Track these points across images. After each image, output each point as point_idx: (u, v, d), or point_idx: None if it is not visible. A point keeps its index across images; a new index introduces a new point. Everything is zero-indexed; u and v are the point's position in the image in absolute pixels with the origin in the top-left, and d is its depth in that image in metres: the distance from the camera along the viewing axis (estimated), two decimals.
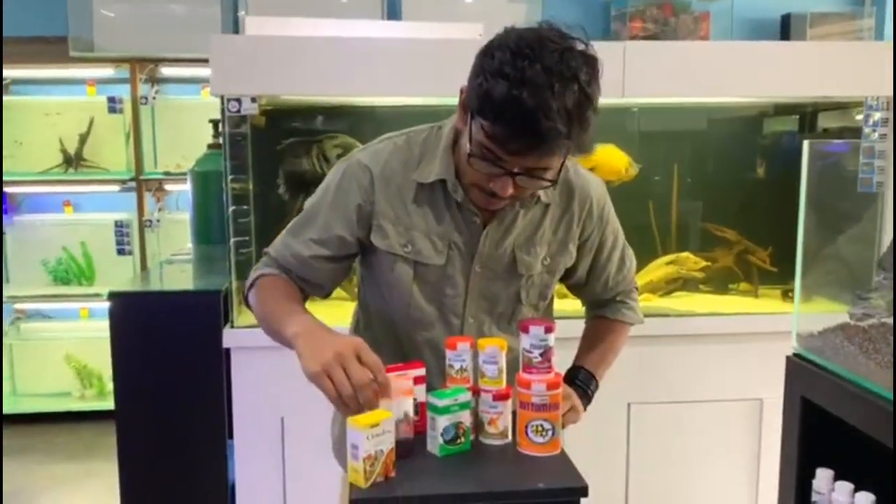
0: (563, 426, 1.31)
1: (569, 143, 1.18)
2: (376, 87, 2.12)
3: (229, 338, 2.20)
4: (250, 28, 2.18)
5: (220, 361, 2.22)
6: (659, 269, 2.56)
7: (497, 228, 1.39)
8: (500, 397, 1.24)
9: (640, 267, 2.59)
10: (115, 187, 4.21)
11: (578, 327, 1.65)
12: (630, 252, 1.61)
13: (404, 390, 1.19)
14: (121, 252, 4.19)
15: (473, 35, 2.29)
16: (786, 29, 4.40)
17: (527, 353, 1.24)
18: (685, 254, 2.56)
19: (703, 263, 2.57)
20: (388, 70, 2.10)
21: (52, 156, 4.19)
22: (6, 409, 4.21)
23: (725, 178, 2.77)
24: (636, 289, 1.65)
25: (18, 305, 4.31)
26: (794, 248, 1.67)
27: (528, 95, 1.13)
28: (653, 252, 2.64)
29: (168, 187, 4.27)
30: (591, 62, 1.20)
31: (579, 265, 1.51)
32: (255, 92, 2.13)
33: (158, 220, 4.17)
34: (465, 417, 1.21)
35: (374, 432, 1.08)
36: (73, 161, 4.19)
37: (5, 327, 4.27)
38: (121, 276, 4.02)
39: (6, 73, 4.13)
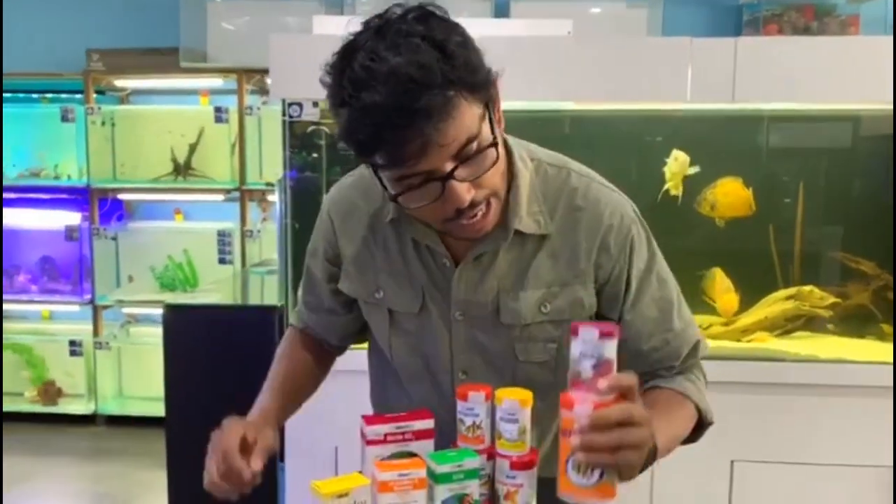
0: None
1: (453, 89, 0.93)
2: None
3: None
4: (318, 27, 2.03)
5: None
6: (776, 303, 2.19)
7: (473, 269, 1.13)
8: (521, 465, 0.99)
9: (755, 300, 2.25)
10: (220, 196, 4.23)
11: None
12: (685, 312, 1.18)
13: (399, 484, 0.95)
14: (222, 261, 4.19)
15: (562, 32, 2.04)
16: None
17: (575, 365, 0.94)
18: (809, 287, 2.18)
19: (831, 300, 2.18)
20: None
21: (164, 164, 4.27)
22: (113, 411, 4.31)
23: (863, 200, 2.35)
24: (701, 372, 1.20)
25: (127, 310, 4.40)
26: None
27: (369, 93, 0.92)
28: (771, 284, 2.27)
29: (272, 198, 4.24)
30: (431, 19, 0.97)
31: (605, 318, 1.15)
32: (317, 96, 1.97)
33: (259, 231, 4.15)
34: (473, 488, 0.96)
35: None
36: (181, 170, 4.24)
37: (115, 331, 4.37)
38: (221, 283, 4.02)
39: (124, 83, 4.26)
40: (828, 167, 2.38)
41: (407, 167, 0.95)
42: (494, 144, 0.99)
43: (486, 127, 0.98)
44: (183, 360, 2.10)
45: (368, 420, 1.02)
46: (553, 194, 1.13)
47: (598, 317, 1.16)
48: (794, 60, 1.93)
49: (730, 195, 2.17)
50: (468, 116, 0.95)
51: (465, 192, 0.97)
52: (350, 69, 0.94)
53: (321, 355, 1.34)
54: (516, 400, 0.99)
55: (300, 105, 1.99)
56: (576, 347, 0.93)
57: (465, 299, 1.14)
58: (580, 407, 0.89)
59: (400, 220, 1.14)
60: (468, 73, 0.95)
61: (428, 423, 1.03)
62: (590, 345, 0.92)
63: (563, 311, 1.13)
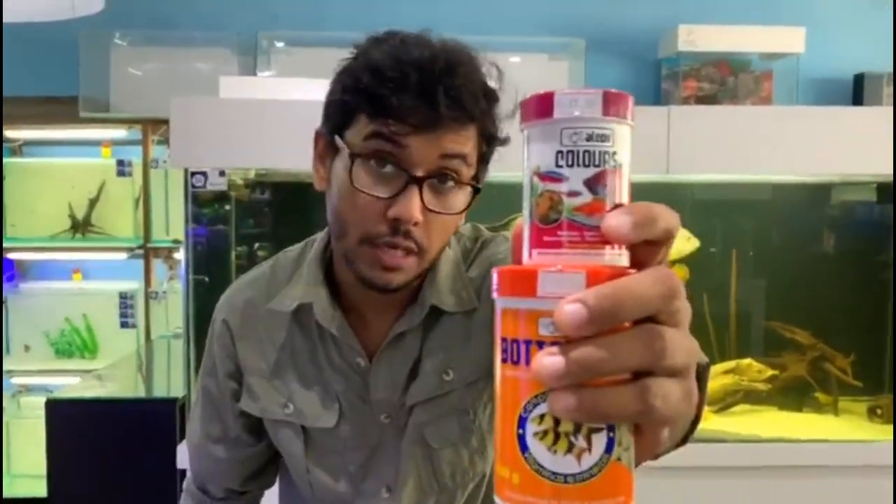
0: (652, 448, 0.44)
1: (481, 114, 0.86)
2: None
3: (186, 456, 1.83)
4: (225, 90, 1.85)
5: (174, 484, 1.84)
6: (715, 378, 2.11)
7: (391, 354, 0.97)
8: None
9: None
10: (123, 255, 3.95)
11: None
12: None
13: None
14: (124, 325, 3.90)
15: None
16: (859, 91, 3.96)
17: (539, 187, 0.43)
18: (747, 360, 2.11)
19: (770, 373, 2.11)
20: None
21: (61, 221, 3.97)
22: None
23: (796, 269, 2.31)
24: None
25: (18, 380, 4.04)
26: (882, 354, 1.28)
27: (413, 56, 0.84)
28: (708, 356, 2.19)
29: (178, 255, 3.99)
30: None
31: None
32: (223, 165, 1.80)
33: (165, 292, 3.88)
34: None
35: None
36: (80, 226, 3.95)
37: (4, 403, 3.99)
38: (123, 350, 3.73)
39: (17, 134, 3.96)
40: (759, 236, 2.34)
41: (394, 123, 0.83)
42: (475, 189, 0.90)
43: (472, 159, 0.89)
44: (68, 456, 1.84)
45: None
46: (471, 264, 1.02)
47: None
48: (729, 130, 1.87)
49: None
50: (472, 146, 0.87)
51: (416, 208, 0.84)
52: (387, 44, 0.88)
53: None
54: None
55: (204, 174, 1.81)
56: (536, 144, 0.43)
57: (385, 398, 0.97)
58: (559, 277, 0.39)
59: (309, 307, 0.96)
60: (491, 122, 0.89)
61: None
62: (573, 132, 0.41)
63: (467, 374, 0.96)
